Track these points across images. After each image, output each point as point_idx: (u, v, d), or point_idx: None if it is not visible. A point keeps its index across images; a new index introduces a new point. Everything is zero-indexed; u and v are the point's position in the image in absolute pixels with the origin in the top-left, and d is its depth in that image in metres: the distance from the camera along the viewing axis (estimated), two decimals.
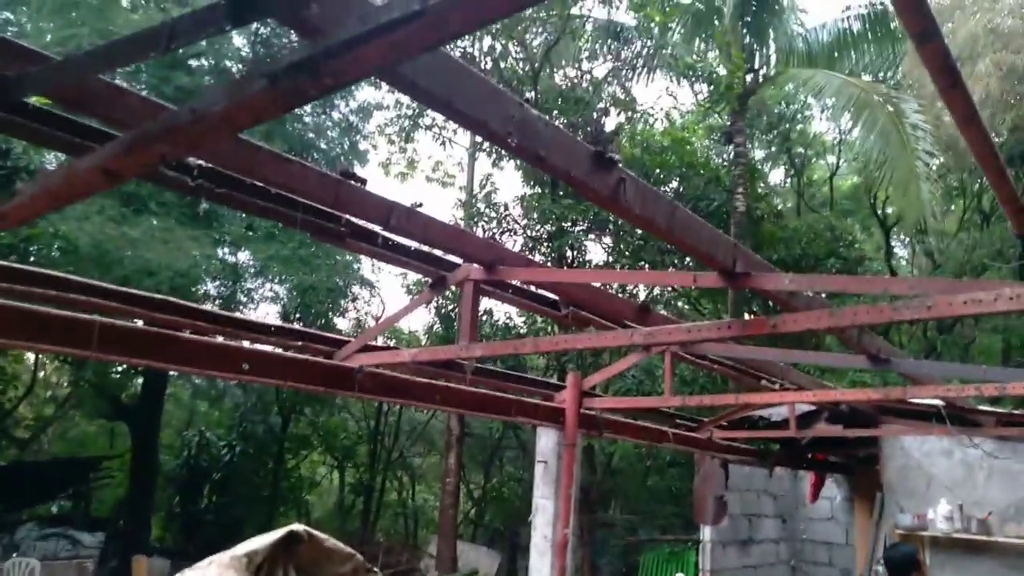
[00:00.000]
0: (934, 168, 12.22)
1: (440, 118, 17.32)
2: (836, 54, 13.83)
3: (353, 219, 3.16)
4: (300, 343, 3.96)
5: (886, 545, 7.62)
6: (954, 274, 13.92)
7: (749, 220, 15.32)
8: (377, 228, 3.13)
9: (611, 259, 16.05)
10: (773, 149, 19.26)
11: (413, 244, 3.50)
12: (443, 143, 18.26)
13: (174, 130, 1.33)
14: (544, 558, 6.09)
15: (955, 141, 10.88)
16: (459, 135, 17.98)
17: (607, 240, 16.16)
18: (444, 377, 4.64)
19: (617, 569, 17.85)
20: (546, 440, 6.60)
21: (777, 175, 21.29)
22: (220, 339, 3.72)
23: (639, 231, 15.58)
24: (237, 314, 4.27)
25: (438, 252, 3.64)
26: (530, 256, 16.20)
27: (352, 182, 2.82)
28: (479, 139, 16.79)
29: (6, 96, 2.09)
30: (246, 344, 3.63)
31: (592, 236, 15.93)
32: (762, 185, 17.76)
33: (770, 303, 15.59)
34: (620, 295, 6.02)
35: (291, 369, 3.59)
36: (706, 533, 8.46)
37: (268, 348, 3.75)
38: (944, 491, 6.95)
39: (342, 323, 19.88)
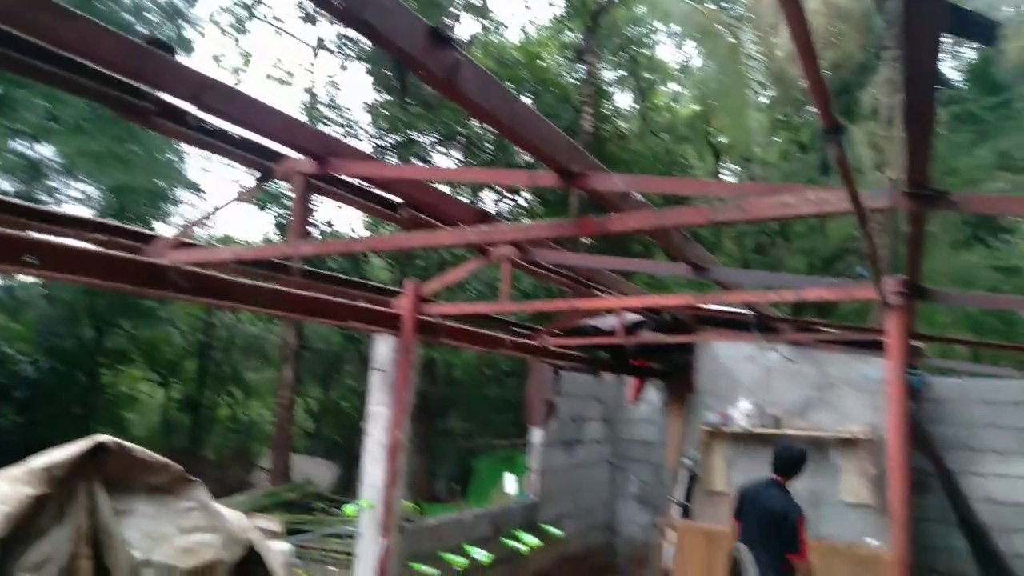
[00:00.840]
0: (764, 100, 13.07)
1: (278, 10, 15.91)
2: None
3: (163, 96, 2.81)
4: (104, 237, 3.55)
5: (694, 441, 8.44)
6: None
7: (595, 140, 15.71)
8: (191, 109, 2.80)
9: None
10: (622, 72, 19.69)
11: (237, 132, 3.20)
12: (282, 36, 16.83)
13: None
14: (377, 464, 6.11)
15: (783, 74, 11.66)
16: (300, 30, 16.64)
17: (457, 154, 15.95)
18: (274, 281, 4.40)
19: (453, 474, 18.61)
20: (384, 348, 6.53)
21: (624, 100, 21.91)
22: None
23: (489, 145, 15.52)
24: (23, 202, 3.71)
25: (266, 143, 3.35)
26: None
27: (159, 51, 2.47)
28: (323, 36, 15.68)
29: None
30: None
31: (442, 149, 15.66)
32: (609, 107, 18.20)
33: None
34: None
35: (90, 264, 3.21)
36: (536, 436, 8.91)
37: (64, 241, 3.32)
38: (746, 392, 7.76)
39: (167, 231, 18.34)
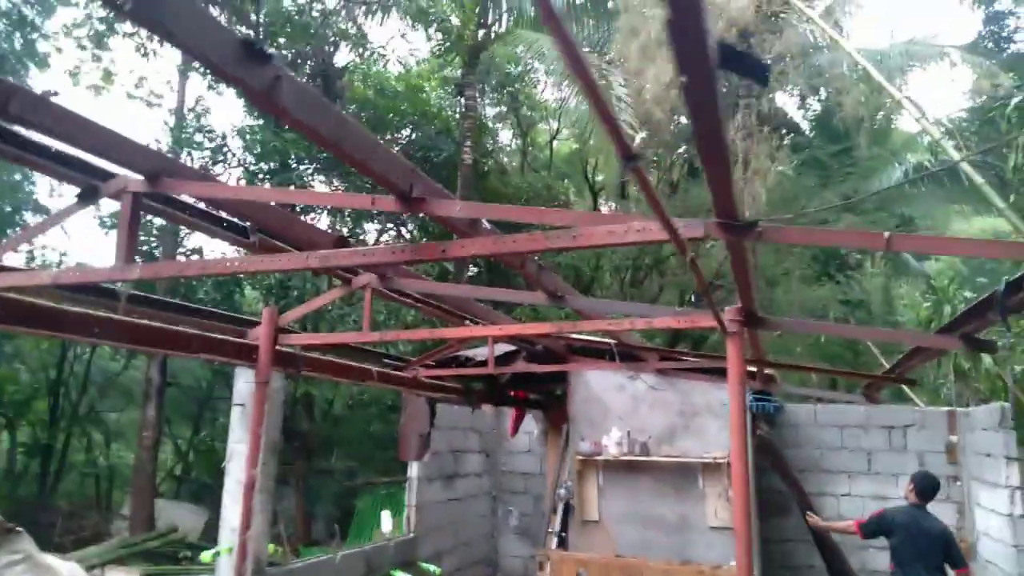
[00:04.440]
0: (636, 141, 13.69)
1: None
2: None
3: None
4: None
5: (570, 471, 8.52)
6: None
7: (476, 174, 15.88)
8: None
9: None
10: (503, 108, 20.13)
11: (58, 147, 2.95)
12: (146, 55, 15.87)
13: None
14: (238, 504, 5.76)
15: (651, 116, 12.28)
16: (166, 48, 15.82)
17: (337, 182, 15.63)
18: (110, 308, 4.08)
19: (334, 515, 17.87)
20: (244, 382, 6.22)
21: (506, 135, 22.38)
22: None
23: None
24: None
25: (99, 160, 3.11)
26: None
27: None
28: (189, 55, 15.04)
29: None
30: None
31: (321, 177, 15.30)
32: (490, 141, 18.48)
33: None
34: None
35: None
36: (414, 470, 8.73)
37: None
38: (616, 420, 7.94)
39: (15, 259, 16.79)
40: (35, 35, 14.97)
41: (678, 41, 1.17)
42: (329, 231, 4.19)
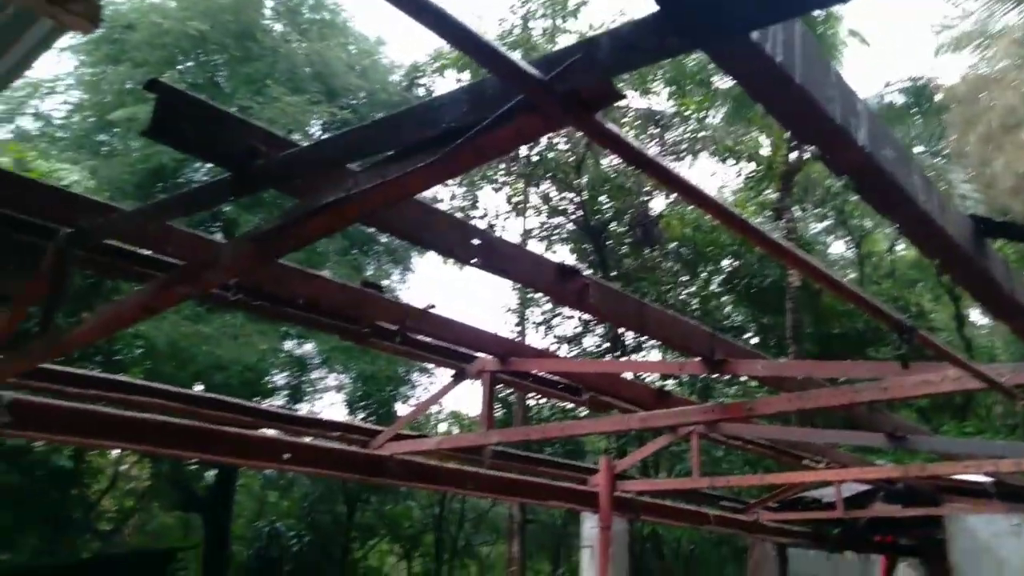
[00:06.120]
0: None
1: (491, 211, 18.09)
2: None
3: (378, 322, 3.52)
4: (338, 433, 4.29)
5: None
6: None
7: (806, 294, 15.16)
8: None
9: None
10: (830, 222, 19.17)
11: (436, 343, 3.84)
12: (493, 229, 18.82)
13: (186, 279, 1.71)
14: None
15: (1008, 209, 10.73)
16: (509, 224, 18.59)
17: None
18: (479, 463, 4.86)
19: None
20: (590, 525, 6.65)
21: (839, 247, 21.12)
22: (268, 432, 4.11)
23: (695, 310, 15.68)
24: (279, 409, 4.62)
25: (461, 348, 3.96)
26: (583, 338, 16.51)
27: (370, 290, 3.20)
28: (529, 228, 17.43)
29: (87, 239, 2.55)
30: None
31: None
32: (819, 258, 17.61)
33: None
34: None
35: (327, 458, 3.91)
36: None
37: (308, 440, 4.09)
38: (1015, 573, 6.58)
39: (404, 410, 20.35)
40: None
41: (911, 236, 1.30)
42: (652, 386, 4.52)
